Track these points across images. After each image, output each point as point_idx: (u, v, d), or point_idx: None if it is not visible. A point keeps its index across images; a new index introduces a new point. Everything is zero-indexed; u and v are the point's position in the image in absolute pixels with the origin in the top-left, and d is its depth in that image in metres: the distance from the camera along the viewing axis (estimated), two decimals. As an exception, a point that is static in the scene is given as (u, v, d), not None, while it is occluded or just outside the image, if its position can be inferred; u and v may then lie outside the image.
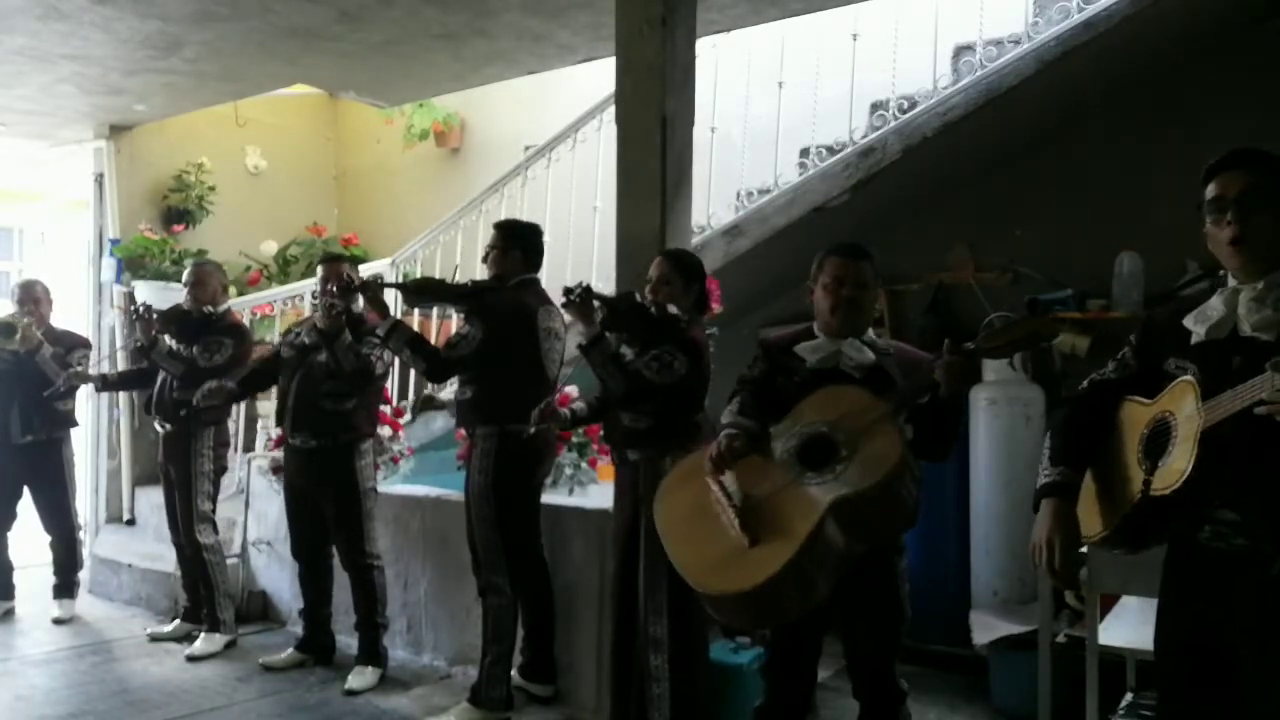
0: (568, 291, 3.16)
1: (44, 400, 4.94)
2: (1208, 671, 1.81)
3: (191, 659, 4.40)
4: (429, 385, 5.30)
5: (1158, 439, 1.81)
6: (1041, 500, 1.95)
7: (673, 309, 3.20)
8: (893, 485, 2.24)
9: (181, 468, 4.61)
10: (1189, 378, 1.77)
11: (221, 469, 4.75)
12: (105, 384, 5.18)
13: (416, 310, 5.23)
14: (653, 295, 3.24)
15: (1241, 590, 1.74)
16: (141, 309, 4.49)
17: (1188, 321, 1.87)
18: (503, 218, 4.25)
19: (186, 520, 4.60)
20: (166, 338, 4.56)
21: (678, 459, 2.82)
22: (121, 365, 6.32)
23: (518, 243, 3.74)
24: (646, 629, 3.17)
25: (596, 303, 3.17)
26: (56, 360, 4.91)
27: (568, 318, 3.44)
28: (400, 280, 4.91)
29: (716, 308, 3.47)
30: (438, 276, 4.12)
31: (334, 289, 3.98)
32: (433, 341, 4.15)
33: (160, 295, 6.14)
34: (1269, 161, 1.82)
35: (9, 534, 5.14)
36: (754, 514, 2.30)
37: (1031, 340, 2.28)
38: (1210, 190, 1.85)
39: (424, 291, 3.80)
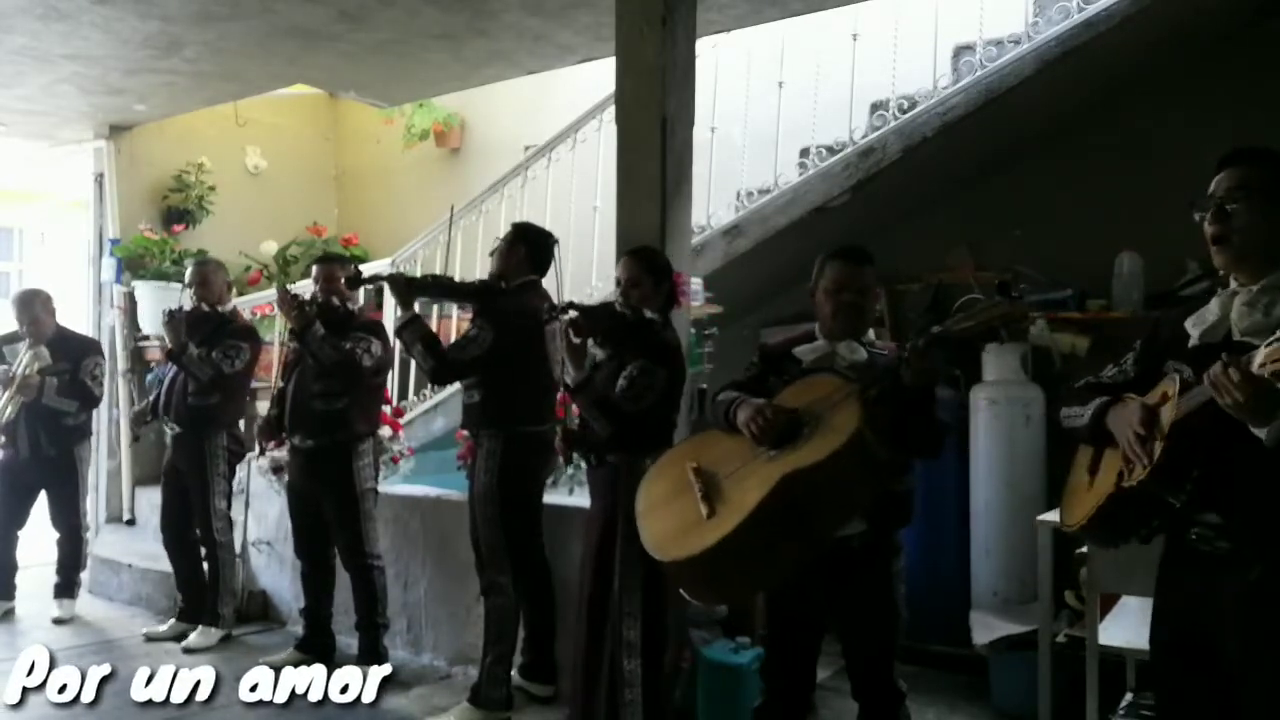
0: (553, 308, 3.16)
1: (54, 419, 4.91)
2: (1198, 669, 1.81)
3: (188, 651, 4.42)
4: (429, 385, 5.29)
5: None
6: (1105, 414, 1.87)
7: (648, 313, 3.17)
8: (848, 456, 2.23)
9: (196, 469, 4.59)
10: (1173, 375, 1.76)
11: (235, 468, 4.75)
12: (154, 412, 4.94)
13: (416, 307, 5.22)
14: (624, 299, 3.21)
15: (1226, 592, 1.74)
16: (173, 314, 4.46)
17: (1187, 324, 1.86)
18: (503, 218, 4.26)
19: (204, 518, 4.60)
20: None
21: (656, 458, 2.82)
22: (122, 365, 6.36)
23: (524, 243, 3.73)
24: (621, 632, 3.14)
25: (573, 312, 3.15)
26: (64, 390, 4.88)
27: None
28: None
29: (684, 302, 3.46)
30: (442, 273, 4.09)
31: (345, 280, 3.97)
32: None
33: (160, 295, 6.15)
34: (1269, 159, 1.80)
35: (19, 533, 5.14)
36: (717, 489, 2.37)
37: (1002, 324, 2.24)
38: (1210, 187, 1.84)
39: (430, 286, 3.78)
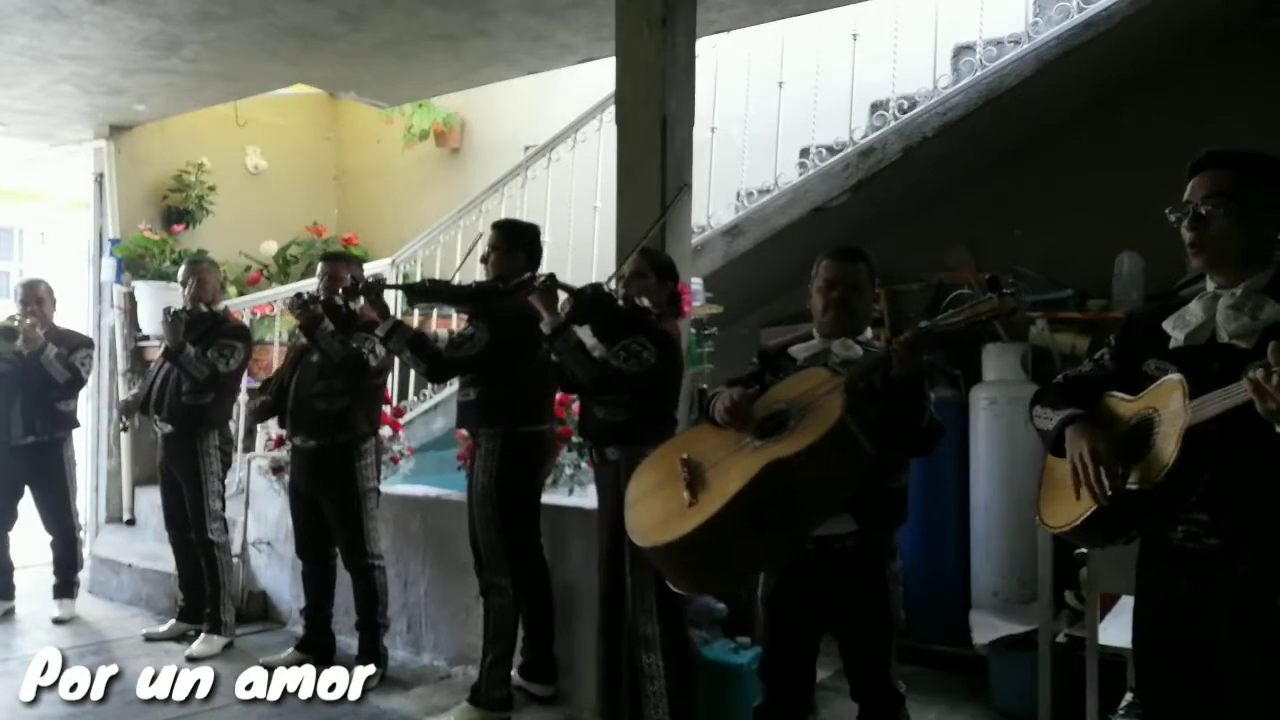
0: (532, 278, 3.19)
1: (46, 401, 4.93)
2: (1185, 668, 1.82)
3: (191, 660, 4.40)
4: (429, 385, 5.30)
5: (1139, 434, 1.80)
6: (1065, 429, 1.88)
7: (644, 301, 3.24)
8: (830, 446, 2.23)
9: (189, 469, 4.59)
10: (1178, 376, 1.76)
11: (226, 468, 4.76)
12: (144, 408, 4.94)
13: (416, 310, 5.24)
14: (625, 289, 3.27)
15: (1214, 590, 1.74)
16: (176, 314, 4.46)
17: (1166, 325, 1.86)
18: (502, 218, 4.26)
19: (199, 519, 4.59)
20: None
21: None
22: (122, 365, 6.36)
23: (521, 243, 3.74)
24: (637, 628, 3.19)
25: (562, 293, 3.20)
26: (60, 360, 4.89)
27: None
28: (402, 281, 4.93)
29: (688, 312, 3.50)
30: (440, 277, 4.12)
31: (343, 289, 3.99)
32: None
33: (160, 295, 6.15)
34: (1241, 162, 1.81)
35: (10, 533, 5.14)
36: (702, 478, 2.39)
37: (990, 319, 2.22)
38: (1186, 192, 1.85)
39: (428, 292, 3.79)
